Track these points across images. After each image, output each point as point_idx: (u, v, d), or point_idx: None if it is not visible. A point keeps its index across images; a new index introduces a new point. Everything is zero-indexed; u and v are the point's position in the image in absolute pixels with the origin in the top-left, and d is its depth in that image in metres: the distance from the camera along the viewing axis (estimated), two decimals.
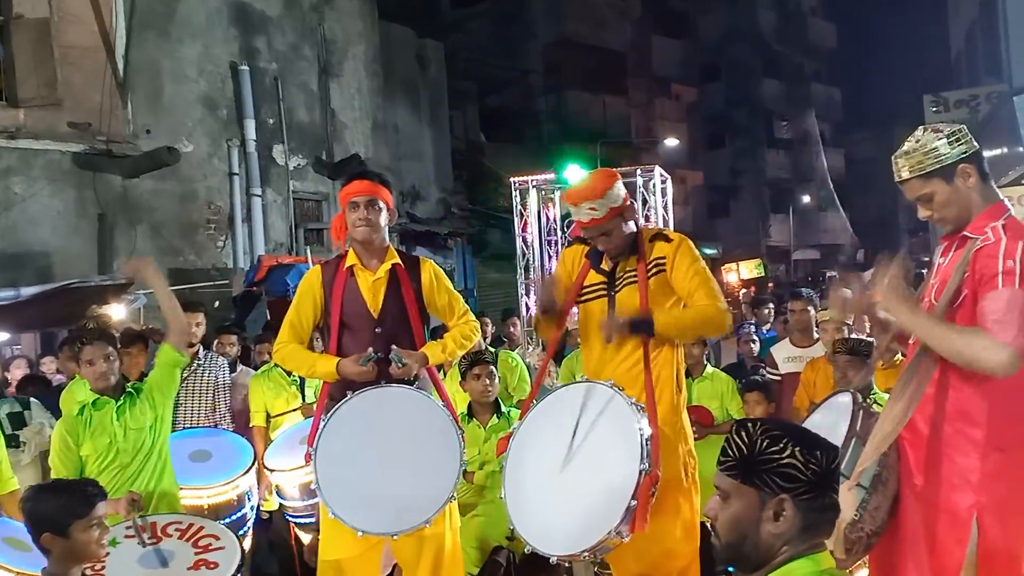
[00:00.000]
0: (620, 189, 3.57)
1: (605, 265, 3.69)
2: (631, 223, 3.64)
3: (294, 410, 5.92)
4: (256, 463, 5.15)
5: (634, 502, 3.04)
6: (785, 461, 1.73)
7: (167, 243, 13.24)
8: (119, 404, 4.35)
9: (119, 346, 5.21)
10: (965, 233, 2.69)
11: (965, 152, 2.72)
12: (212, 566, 3.77)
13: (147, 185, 12.85)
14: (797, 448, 1.74)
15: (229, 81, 14.25)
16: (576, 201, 3.56)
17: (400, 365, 3.69)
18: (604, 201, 3.50)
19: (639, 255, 3.60)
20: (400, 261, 3.88)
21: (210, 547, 3.88)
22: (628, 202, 3.61)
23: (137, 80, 12.91)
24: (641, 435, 3.13)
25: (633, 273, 3.60)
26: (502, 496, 3.41)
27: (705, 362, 6.05)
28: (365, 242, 3.81)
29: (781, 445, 1.74)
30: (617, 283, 3.63)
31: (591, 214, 3.51)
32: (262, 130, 14.57)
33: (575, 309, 3.86)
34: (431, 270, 3.96)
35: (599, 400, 3.35)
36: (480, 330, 4.06)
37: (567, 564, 3.39)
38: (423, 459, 3.58)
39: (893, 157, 2.81)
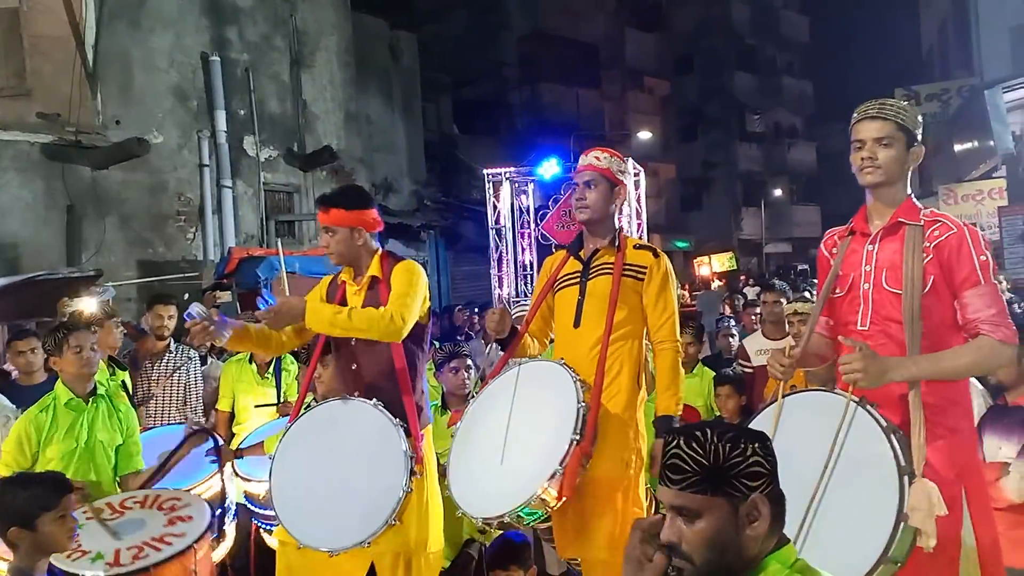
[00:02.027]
0: (626, 172, 3.85)
1: (583, 254, 3.81)
2: (614, 208, 3.82)
3: (270, 405, 5.87)
4: (223, 459, 5.08)
5: (560, 468, 3.11)
6: (752, 460, 1.69)
7: (137, 235, 13.12)
8: (90, 409, 4.31)
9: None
10: (901, 220, 2.89)
11: (922, 139, 2.96)
12: (187, 519, 3.86)
13: (117, 176, 12.72)
14: (755, 444, 1.70)
15: (200, 72, 14.11)
16: (588, 151, 3.85)
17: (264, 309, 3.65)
18: (610, 160, 3.77)
19: (618, 251, 3.72)
20: (380, 271, 3.85)
21: (176, 507, 3.97)
22: (623, 188, 3.82)
23: (107, 70, 12.76)
24: (579, 408, 3.21)
25: (609, 265, 3.70)
26: (446, 463, 3.52)
27: (697, 360, 6.21)
28: (336, 264, 3.94)
29: (743, 446, 1.69)
30: (591, 272, 3.74)
31: (594, 161, 3.76)
32: (233, 121, 14.43)
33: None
34: (398, 268, 3.82)
35: (547, 376, 3.47)
36: (388, 327, 3.55)
37: (491, 527, 3.50)
38: (368, 481, 3.57)
39: (871, 101, 2.97)
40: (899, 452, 2.59)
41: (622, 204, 3.91)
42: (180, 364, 6.18)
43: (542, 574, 5.06)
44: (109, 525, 3.80)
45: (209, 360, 6.78)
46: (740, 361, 6.57)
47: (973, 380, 4.17)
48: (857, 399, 2.71)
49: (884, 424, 2.64)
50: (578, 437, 3.16)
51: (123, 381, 5.82)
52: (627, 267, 3.68)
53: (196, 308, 3.59)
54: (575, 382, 3.32)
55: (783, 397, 2.91)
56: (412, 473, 3.53)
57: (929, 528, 2.56)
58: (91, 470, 4.29)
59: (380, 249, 3.93)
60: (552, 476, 3.11)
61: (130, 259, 12.97)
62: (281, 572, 3.79)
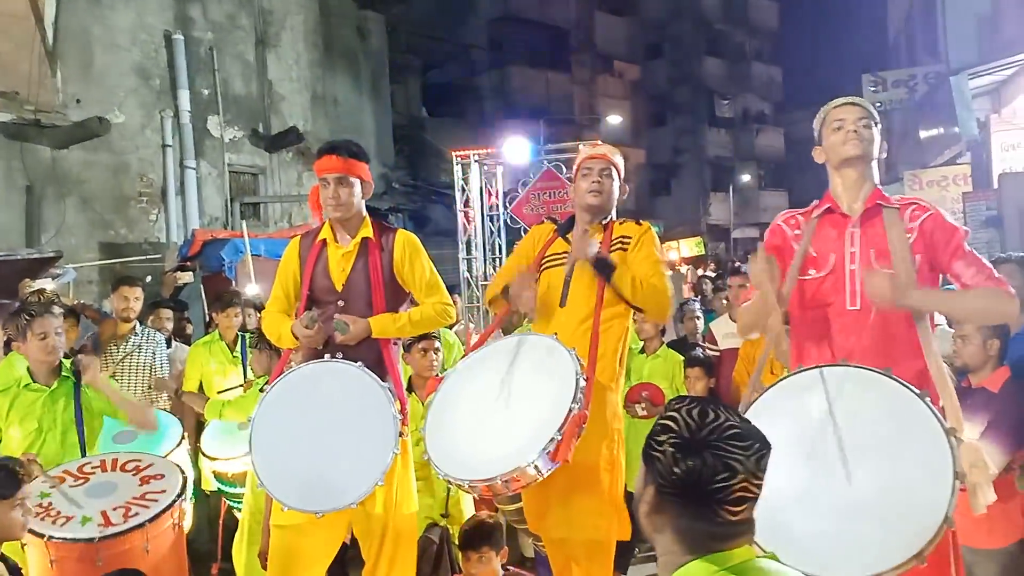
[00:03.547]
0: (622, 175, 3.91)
1: (571, 236, 3.80)
2: (616, 200, 3.88)
3: (238, 386, 5.83)
4: (183, 439, 5.05)
5: (559, 435, 3.09)
6: (655, 454, 1.67)
7: (98, 216, 12.93)
8: (53, 390, 4.28)
9: None
10: (879, 203, 3.05)
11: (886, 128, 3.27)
12: (158, 477, 4.00)
13: (77, 156, 12.54)
14: (673, 449, 1.64)
15: (163, 50, 13.92)
16: (598, 144, 4.00)
17: (342, 332, 3.65)
18: (620, 161, 3.87)
19: (607, 232, 3.75)
20: (372, 234, 3.82)
21: (140, 467, 4.06)
22: (626, 189, 3.90)
23: (67, 48, 12.55)
24: (577, 379, 3.20)
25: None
26: (422, 430, 3.43)
27: (661, 341, 6.20)
28: (336, 219, 3.81)
29: (663, 438, 1.67)
30: None
31: (610, 154, 3.86)
32: (197, 101, 14.27)
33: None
34: (404, 240, 3.85)
35: (538, 347, 3.44)
36: (451, 314, 3.91)
37: (476, 493, 3.47)
38: (355, 443, 3.53)
39: (845, 97, 3.21)
40: (938, 415, 2.64)
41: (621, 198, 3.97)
42: (145, 346, 6.12)
43: (517, 556, 5.06)
44: (79, 491, 3.83)
45: (174, 343, 6.70)
46: (707, 344, 6.59)
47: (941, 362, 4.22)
48: (882, 370, 2.74)
49: (917, 391, 2.68)
50: (577, 406, 3.15)
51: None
52: (615, 241, 3.71)
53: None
54: (571, 354, 3.30)
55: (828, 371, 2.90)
56: (400, 434, 3.52)
57: (989, 484, 2.74)
58: (64, 452, 4.26)
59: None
60: (550, 442, 3.09)
61: (91, 241, 12.79)
62: (276, 552, 3.75)
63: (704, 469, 1.62)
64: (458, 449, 3.33)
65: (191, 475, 5.07)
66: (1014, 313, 2.96)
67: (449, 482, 3.37)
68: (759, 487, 1.65)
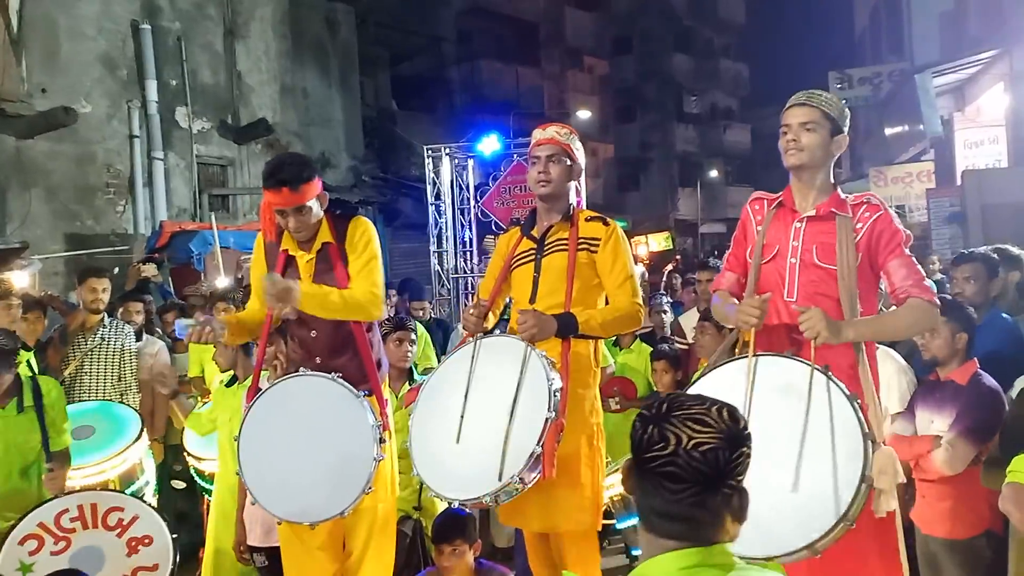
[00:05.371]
0: (581, 153, 3.83)
1: (536, 232, 3.79)
2: (572, 187, 3.81)
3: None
4: (142, 433, 5.09)
5: (539, 448, 3.12)
6: (639, 434, 1.70)
7: (64, 207, 12.78)
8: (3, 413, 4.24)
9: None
10: (833, 210, 3.10)
11: (846, 132, 3.17)
12: (146, 542, 3.89)
13: (42, 147, 12.37)
14: (638, 421, 1.71)
15: (130, 40, 13.75)
16: (547, 125, 3.85)
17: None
18: (570, 137, 3.77)
19: (572, 226, 3.71)
20: (331, 236, 3.71)
21: (123, 523, 3.92)
22: (580, 168, 3.83)
23: (32, 37, 12.36)
24: (550, 385, 3.21)
25: (563, 242, 3.70)
26: (407, 444, 3.46)
27: (635, 335, 6.27)
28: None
29: (641, 421, 1.71)
30: (545, 249, 3.72)
31: (556, 135, 3.75)
32: (164, 91, 14.11)
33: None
34: (353, 228, 3.74)
35: (511, 353, 3.43)
36: (377, 306, 3.68)
37: (467, 509, 3.53)
38: (338, 455, 3.56)
39: (801, 92, 3.18)
40: (862, 418, 2.69)
41: (578, 180, 3.90)
42: (114, 338, 6.09)
43: (489, 549, 5.09)
44: (62, 560, 3.73)
45: (144, 337, 6.65)
46: (675, 338, 6.66)
47: (896, 357, 4.31)
48: (821, 367, 2.79)
49: (848, 393, 2.74)
50: (553, 415, 3.16)
51: (28, 362, 5.68)
52: (581, 241, 3.68)
53: (182, 323, 3.56)
54: (542, 359, 3.30)
55: (754, 355, 2.94)
56: (381, 441, 3.52)
57: (893, 492, 2.73)
58: (12, 475, 4.23)
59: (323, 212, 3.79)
60: (531, 455, 3.12)
61: (56, 232, 12.64)
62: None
63: (646, 437, 1.67)
64: (444, 464, 3.36)
65: (152, 469, 5.10)
66: (937, 320, 3.15)
67: (440, 499, 3.39)
68: (694, 473, 1.62)
